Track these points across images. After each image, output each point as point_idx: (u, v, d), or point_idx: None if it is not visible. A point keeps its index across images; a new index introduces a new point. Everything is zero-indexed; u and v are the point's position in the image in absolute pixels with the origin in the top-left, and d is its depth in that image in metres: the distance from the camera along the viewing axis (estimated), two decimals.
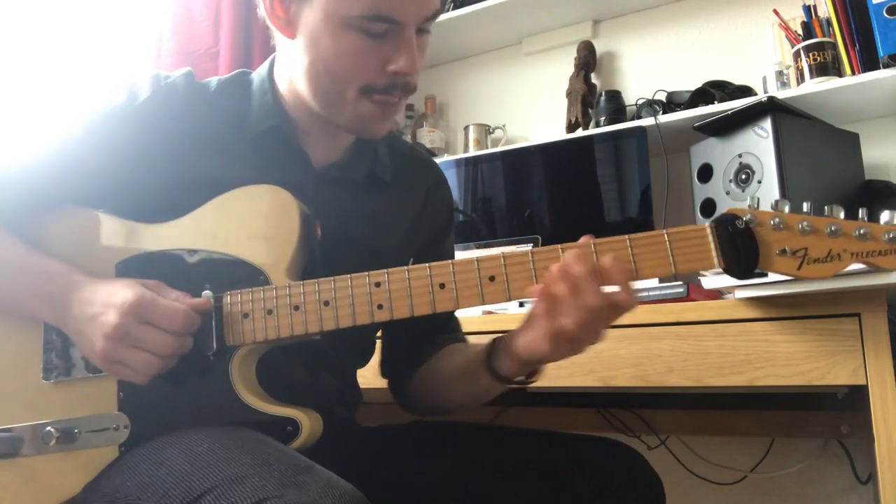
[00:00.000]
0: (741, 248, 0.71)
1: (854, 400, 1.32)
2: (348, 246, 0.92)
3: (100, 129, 0.86)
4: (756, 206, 0.74)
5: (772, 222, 0.72)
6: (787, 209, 0.73)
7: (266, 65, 0.96)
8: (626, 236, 0.74)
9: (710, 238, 0.72)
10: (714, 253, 0.72)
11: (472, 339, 1.07)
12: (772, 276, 1.02)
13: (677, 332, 1.13)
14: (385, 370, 1.07)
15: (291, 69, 0.89)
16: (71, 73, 1.76)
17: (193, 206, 0.84)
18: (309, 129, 0.93)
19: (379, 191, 0.98)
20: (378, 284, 0.77)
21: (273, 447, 0.71)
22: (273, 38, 0.93)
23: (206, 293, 0.80)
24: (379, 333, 1.08)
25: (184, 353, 0.77)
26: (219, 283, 0.81)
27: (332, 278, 0.78)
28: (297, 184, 0.87)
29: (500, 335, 0.85)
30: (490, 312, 1.38)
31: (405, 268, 0.77)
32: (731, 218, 0.72)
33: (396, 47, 0.83)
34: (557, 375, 1.19)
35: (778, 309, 1.07)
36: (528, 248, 0.77)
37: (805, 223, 0.71)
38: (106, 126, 0.86)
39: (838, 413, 1.56)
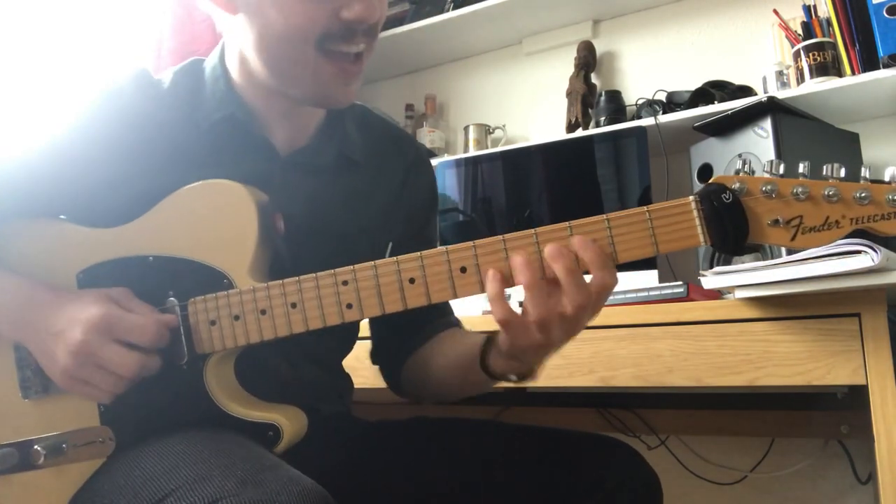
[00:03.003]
0: (728, 223, 0.66)
1: (854, 400, 1.32)
2: (322, 235, 0.89)
3: (51, 141, 0.83)
4: (747, 170, 0.68)
5: (763, 189, 0.66)
6: (781, 170, 0.67)
7: (217, 50, 0.91)
8: (604, 216, 0.69)
9: (695, 214, 0.67)
10: (699, 230, 0.67)
11: None
12: (771, 275, 1.02)
13: (677, 332, 1.13)
14: (376, 357, 1.05)
15: (242, 49, 0.85)
16: (72, 74, 1.76)
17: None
18: (268, 115, 0.88)
19: (351, 173, 0.94)
20: (346, 283, 0.74)
21: (245, 447, 0.71)
22: (216, 24, 0.89)
23: (171, 300, 0.78)
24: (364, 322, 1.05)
25: (150, 373, 0.75)
26: (182, 288, 0.78)
27: (297, 278, 0.76)
28: (261, 175, 0.84)
29: (496, 331, 0.82)
30: (489, 312, 1.37)
31: (372, 263, 0.74)
32: (716, 190, 0.66)
33: None
34: (557, 375, 1.19)
35: (778, 309, 1.07)
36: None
37: (800, 189, 0.65)
38: (57, 138, 0.84)
39: (838, 413, 1.56)
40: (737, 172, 0.68)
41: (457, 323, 1.03)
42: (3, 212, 0.83)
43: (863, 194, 0.64)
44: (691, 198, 0.68)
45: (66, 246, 0.82)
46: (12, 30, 1.69)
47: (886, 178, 0.65)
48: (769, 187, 0.66)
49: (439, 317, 1.01)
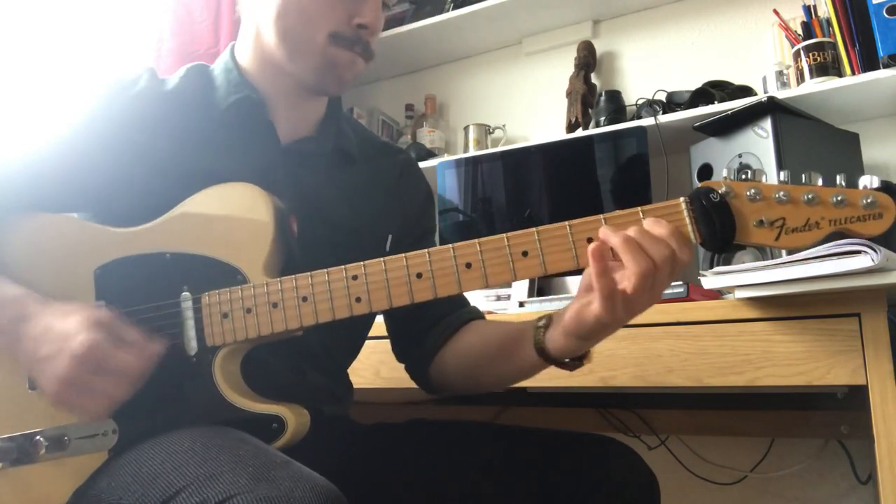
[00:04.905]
0: (717, 221, 0.70)
1: (854, 400, 1.32)
2: (322, 221, 0.92)
3: (65, 134, 0.87)
4: (733, 177, 0.72)
5: (748, 193, 0.70)
6: (764, 179, 0.71)
7: (227, 50, 1.00)
8: (601, 216, 0.72)
9: (685, 213, 0.71)
10: (689, 227, 0.71)
11: None
12: (771, 275, 1.02)
13: (677, 332, 1.13)
14: (400, 354, 1.04)
15: (260, 24, 0.93)
16: (72, 73, 1.76)
17: (168, 200, 0.84)
18: (277, 100, 0.95)
19: (347, 165, 1.00)
20: (355, 277, 0.77)
21: (252, 445, 0.71)
22: (237, 10, 0.98)
23: (185, 294, 0.81)
24: (375, 324, 1.05)
25: (140, 384, 0.75)
26: (197, 283, 0.81)
27: (309, 273, 0.79)
28: (265, 163, 0.90)
29: (549, 313, 0.83)
30: (490, 312, 1.38)
31: (381, 259, 0.77)
32: (705, 191, 0.71)
33: (363, 2, 0.90)
34: (557, 375, 1.18)
35: (778, 309, 1.07)
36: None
37: (782, 193, 0.70)
38: (70, 131, 0.87)
39: (838, 413, 1.56)
40: (725, 179, 0.72)
41: (482, 315, 1.03)
42: (21, 206, 0.86)
43: (839, 198, 0.69)
44: (682, 199, 0.72)
45: (84, 243, 0.84)
46: (13, 30, 1.69)
47: (860, 185, 0.69)
48: (753, 191, 0.70)
49: (461, 307, 1.01)
